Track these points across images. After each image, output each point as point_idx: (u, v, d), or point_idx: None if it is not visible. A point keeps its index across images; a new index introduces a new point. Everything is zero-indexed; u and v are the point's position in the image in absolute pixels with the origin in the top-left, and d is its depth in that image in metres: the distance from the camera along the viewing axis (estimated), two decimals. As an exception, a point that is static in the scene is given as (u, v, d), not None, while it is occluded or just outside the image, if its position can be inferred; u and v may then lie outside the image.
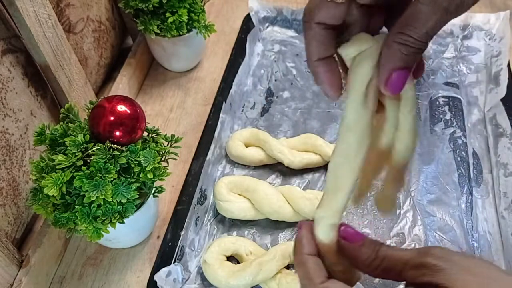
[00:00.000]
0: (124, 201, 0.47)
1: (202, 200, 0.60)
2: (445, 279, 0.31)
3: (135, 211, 0.51)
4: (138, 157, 0.48)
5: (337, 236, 0.35)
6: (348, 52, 0.35)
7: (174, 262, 0.54)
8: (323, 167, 0.64)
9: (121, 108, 0.49)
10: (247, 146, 0.65)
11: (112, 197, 0.46)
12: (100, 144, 0.48)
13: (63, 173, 0.45)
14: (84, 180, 0.45)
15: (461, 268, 0.31)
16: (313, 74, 0.37)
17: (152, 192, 0.53)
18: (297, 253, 0.36)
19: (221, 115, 0.66)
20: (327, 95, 0.38)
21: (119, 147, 0.48)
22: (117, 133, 0.48)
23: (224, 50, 0.81)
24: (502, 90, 0.66)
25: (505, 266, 0.54)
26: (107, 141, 0.48)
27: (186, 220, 0.57)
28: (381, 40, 0.34)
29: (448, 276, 0.31)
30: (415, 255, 0.33)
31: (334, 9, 0.34)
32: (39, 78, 0.58)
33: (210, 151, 0.63)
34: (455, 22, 0.76)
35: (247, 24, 0.79)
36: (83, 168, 0.46)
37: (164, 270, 0.51)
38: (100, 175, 0.46)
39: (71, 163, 0.46)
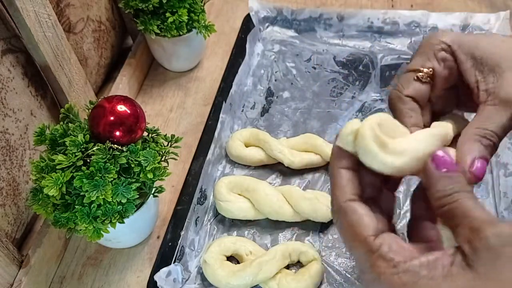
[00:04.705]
0: (124, 201, 0.47)
1: (202, 200, 0.60)
2: (479, 263, 0.28)
3: (135, 211, 0.51)
4: (138, 157, 0.48)
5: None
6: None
7: (174, 262, 0.54)
8: (323, 167, 0.64)
9: (121, 108, 0.49)
10: (247, 146, 0.65)
11: (112, 197, 0.46)
12: (100, 144, 0.48)
13: (63, 173, 0.45)
14: (84, 180, 0.45)
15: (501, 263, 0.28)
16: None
17: (152, 192, 0.53)
18: (330, 166, 0.36)
19: (221, 115, 0.66)
20: None
21: (119, 147, 0.48)
22: (117, 133, 0.48)
23: (224, 50, 0.81)
24: (502, 90, 0.66)
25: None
26: (107, 141, 0.48)
27: (186, 220, 0.57)
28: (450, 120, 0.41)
29: (484, 265, 0.28)
30: (483, 217, 0.30)
31: (418, 87, 0.41)
32: (39, 78, 0.58)
33: (210, 151, 0.63)
34: (455, 23, 0.76)
35: (247, 24, 0.79)
36: (83, 168, 0.46)
37: (164, 270, 0.51)
38: (100, 175, 0.46)
39: (71, 163, 0.46)
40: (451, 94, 0.44)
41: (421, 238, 0.36)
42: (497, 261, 0.28)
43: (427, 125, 0.43)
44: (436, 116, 0.45)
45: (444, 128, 0.39)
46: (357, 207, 0.33)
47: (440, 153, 0.33)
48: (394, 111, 0.42)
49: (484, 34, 0.41)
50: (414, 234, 0.37)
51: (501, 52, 0.39)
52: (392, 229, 0.36)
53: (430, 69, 0.41)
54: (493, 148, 0.37)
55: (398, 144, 0.34)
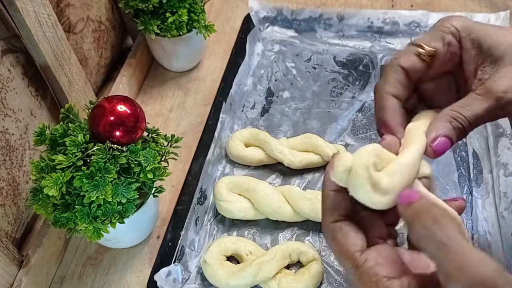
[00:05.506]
0: (124, 201, 0.47)
1: (202, 200, 0.60)
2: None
3: (135, 211, 0.51)
4: (138, 157, 0.48)
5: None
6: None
7: (174, 262, 0.54)
8: (323, 167, 0.64)
9: (121, 108, 0.49)
10: (247, 146, 0.65)
11: (112, 197, 0.46)
12: (100, 144, 0.48)
13: (63, 173, 0.45)
14: (84, 180, 0.45)
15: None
16: (379, 106, 0.41)
17: (152, 192, 0.53)
18: (323, 188, 0.37)
19: (221, 115, 0.66)
20: (379, 126, 0.42)
21: (119, 147, 0.48)
22: (117, 133, 0.48)
23: (224, 50, 0.81)
24: (502, 90, 0.66)
25: (505, 267, 0.54)
26: (107, 141, 0.48)
27: (186, 220, 0.57)
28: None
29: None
30: (458, 265, 0.29)
31: (416, 62, 0.41)
32: (39, 78, 0.58)
33: (210, 151, 0.63)
34: (455, 22, 0.76)
35: (247, 24, 0.79)
36: (83, 168, 0.46)
37: (164, 270, 0.51)
38: (100, 175, 0.46)
39: (71, 163, 0.46)
40: (445, 87, 0.44)
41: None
42: None
43: (410, 110, 0.43)
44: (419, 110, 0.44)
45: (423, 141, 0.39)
46: (343, 226, 0.35)
47: (404, 193, 0.34)
48: (383, 76, 0.42)
49: (496, 25, 0.41)
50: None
51: (509, 45, 0.39)
52: (394, 235, 0.38)
53: (433, 49, 0.41)
54: (462, 132, 0.38)
55: (386, 182, 0.34)
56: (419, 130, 0.39)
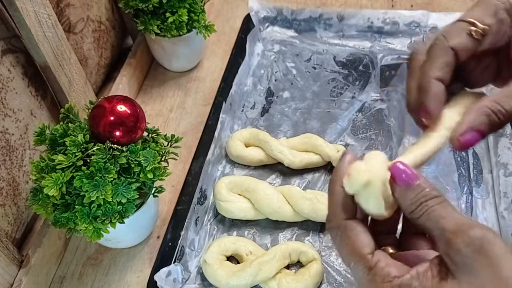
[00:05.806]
0: (124, 201, 0.47)
1: (202, 200, 0.60)
2: (458, 272, 0.30)
3: (135, 211, 0.51)
4: (138, 157, 0.48)
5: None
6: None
7: (174, 262, 0.54)
8: (323, 167, 0.64)
9: (121, 108, 0.49)
10: (247, 146, 0.65)
11: (112, 197, 0.46)
12: (100, 144, 0.48)
13: (63, 173, 0.45)
14: (84, 180, 0.45)
15: (487, 270, 0.28)
16: (422, 88, 0.38)
17: (152, 192, 0.53)
18: (330, 182, 0.35)
19: (221, 115, 0.66)
20: (416, 113, 0.39)
21: (119, 147, 0.48)
22: (117, 133, 0.48)
23: (224, 50, 0.81)
24: (502, 90, 0.66)
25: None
26: (107, 141, 0.48)
27: (186, 220, 0.57)
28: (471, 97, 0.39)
29: (463, 273, 0.29)
30: (452, 227, 0.30)
31: (467, 42, 0.37)
32: (39, 78, 0.58)
33: (210, 151, 0.63)
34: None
35: (247, 24, 0.79)
36: (83, 168, 0.46)
37: (164, 270, 0.51)
38: (100, 175, 0.46)
39: (71, 163, 0.46)
40: (485, 66, 0.41)
41: (411, 246, 0.37)
42: (473, 268, 0.29)
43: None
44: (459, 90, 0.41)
45: (432, 144, 0.38)
46: (356, 225, 0.34)
47: (398, 165, 0.33)
48: (431, 57, 0.38)
49: None
50: (404, 244, 0.38)
51: None
52: (394, 242, 0.38)
53: (487, 27, 0.37)
54: (498, 125, 0.36)
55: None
56: (446, 121, 0.37)
